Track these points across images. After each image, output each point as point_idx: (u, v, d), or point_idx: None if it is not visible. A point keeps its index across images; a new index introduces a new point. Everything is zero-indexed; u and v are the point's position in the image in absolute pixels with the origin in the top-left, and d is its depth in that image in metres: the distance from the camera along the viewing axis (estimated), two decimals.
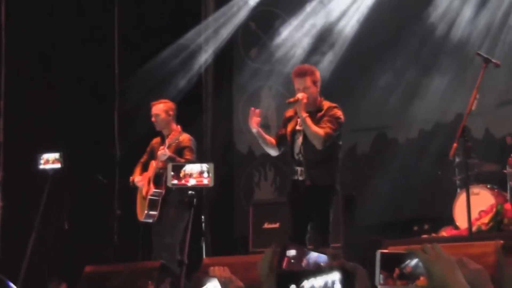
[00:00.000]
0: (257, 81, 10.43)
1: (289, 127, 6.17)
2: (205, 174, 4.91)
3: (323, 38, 9.85)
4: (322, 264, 3.12)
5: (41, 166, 7.08)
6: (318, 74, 6.12)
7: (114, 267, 6.20)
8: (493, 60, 6.23)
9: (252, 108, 6.08)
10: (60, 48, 9.31)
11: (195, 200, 5.01)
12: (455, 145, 5.80)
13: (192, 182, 4.93)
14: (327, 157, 5.99)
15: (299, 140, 6.05)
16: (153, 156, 7.29)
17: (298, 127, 6.07)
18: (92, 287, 6.01)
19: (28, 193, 8.07)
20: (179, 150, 7.07)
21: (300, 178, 6.04)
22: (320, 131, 5.89)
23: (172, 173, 4.92)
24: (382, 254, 2.20)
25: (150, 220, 7.11)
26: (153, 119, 7.30)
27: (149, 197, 7.07)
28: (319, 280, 2.34)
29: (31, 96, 8.85)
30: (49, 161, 7.06)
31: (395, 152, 9.21)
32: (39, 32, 9.02)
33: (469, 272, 2.39)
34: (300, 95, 5.93)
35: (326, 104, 6.08)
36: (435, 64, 9.09)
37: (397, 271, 2.16)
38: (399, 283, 2.16)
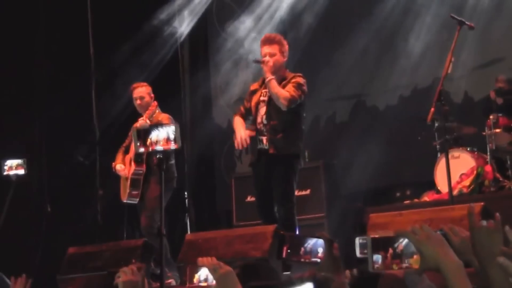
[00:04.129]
0: (234, 54, 10.35)
1: (254, 99, 6.30)
2: (172, 136, 5.05)
3: (298, 7, 9.78)
4: (317, 251, 3.09)
5: (5, 173, 6.99)
6: (286, 47, 6.26)
7: (96, 247, 6.17)
8: (467, 23, 6.22)
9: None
10: (33, 31, 9.11)
11: (164, 162, 5.30)
12: (432, 109, 5.86)
13: (159, 148, 5.09)
14: (290, 126, 6.10)
15: (262, 109, 6.18)
16: None
17: (262, 98, 6.21)
18: (75, 268, 5.99)
19: None
20: None
21: (263, 147, 6.13)
22: (285, 92, 6.02)
23: (138, 140, 4.96)
24: (373, 239, 2.21)
25: (134, 202, 7.13)
26: (138, 101, 7.25)
27: (131, 176, 7.11)
28: None
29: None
30: (13, 167, 6.97)
31: (375, 119, 9.22)
32: (7, 18, 8.83)
33: (461, 240, 2.43)
34: (266, 58, 6.11)
35: (290, 74, 6.22)
36: (412, 29, 9.05)
37: (390, 250, 2.19)
38: (393, 262, 2.17)
